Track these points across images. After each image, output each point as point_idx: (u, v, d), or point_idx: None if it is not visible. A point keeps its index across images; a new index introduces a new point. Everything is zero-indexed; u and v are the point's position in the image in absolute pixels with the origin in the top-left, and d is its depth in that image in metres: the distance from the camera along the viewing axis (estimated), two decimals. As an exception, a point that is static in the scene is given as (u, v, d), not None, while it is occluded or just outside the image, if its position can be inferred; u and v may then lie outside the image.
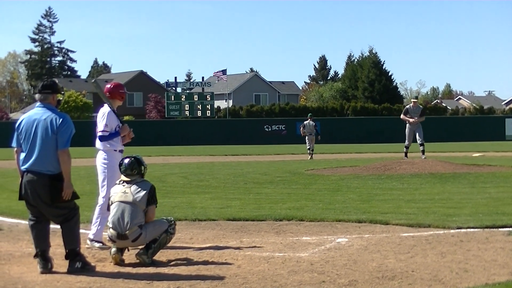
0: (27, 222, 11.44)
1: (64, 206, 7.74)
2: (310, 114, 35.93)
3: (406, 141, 23.89)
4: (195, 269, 7.81)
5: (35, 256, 7.73)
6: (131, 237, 7.99)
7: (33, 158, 7.66)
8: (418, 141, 23.64)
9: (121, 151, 9.37)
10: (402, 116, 24.12)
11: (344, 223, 11.14)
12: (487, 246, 8.96)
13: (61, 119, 7.72)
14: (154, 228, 8.13)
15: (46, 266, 7.67)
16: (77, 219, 7.90)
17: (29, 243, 9.60)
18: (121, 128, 9.34)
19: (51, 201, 7.62)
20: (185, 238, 9.89)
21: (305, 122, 33.22)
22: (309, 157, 32.09)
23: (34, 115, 7.84)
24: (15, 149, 7.88)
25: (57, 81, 8.49)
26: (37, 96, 7.94)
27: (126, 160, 8.38)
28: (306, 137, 32.74)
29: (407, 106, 24.51)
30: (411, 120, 23.56)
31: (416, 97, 27.51)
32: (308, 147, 32.66)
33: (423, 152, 23.69)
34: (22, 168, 7.75)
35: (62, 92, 8.25)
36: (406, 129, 23.89)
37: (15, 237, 10.14)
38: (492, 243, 9.13)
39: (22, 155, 7.77)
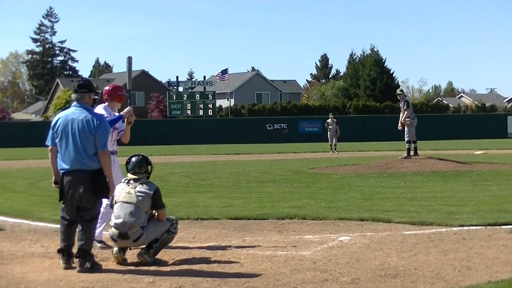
0: (29, 222, 11.62)
1: (96, 204, 7.91)
2: (331, 113, 41.12)
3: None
4: (197, 268, 7.80)
5: (59, 251, 7.86)
6: (133, 237, 7.98)
7: (72, 157, 7.73)
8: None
9: (112, 152, 9.22)
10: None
11: (347, 221, 11.14)
12: (489, 243, 8.96)
13: (98, 121, 7.83)
14: (155, 228, 8.12)
15: (69, 261, 7.81)
16: (97, 220, 8.14)
17: (31, 243, 9.62)
18: (125, 111, 9.33)
19: (94, 195, 7.76)
20: (187, 237, 9.89)
21: (328, 121, 37.33)
22: (331, 152, 35.55)
23: (71, 114, 7.88)
24: (50, 147, 7.92)
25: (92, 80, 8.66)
26: (73, 95, 8.03)
27: (134, 158, 8.35)
28: (328, 134, 36.71)
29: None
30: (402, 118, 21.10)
31: (402, 90, 22.24)
32: (329, 143, 36.46)
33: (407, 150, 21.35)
34: (61, 169, 7.81)
35: (98, 91, 8.36)
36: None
37: (18, 237, 10.14)
38: (494, 241, 9.13)
39: (59, 155, 7.83)
